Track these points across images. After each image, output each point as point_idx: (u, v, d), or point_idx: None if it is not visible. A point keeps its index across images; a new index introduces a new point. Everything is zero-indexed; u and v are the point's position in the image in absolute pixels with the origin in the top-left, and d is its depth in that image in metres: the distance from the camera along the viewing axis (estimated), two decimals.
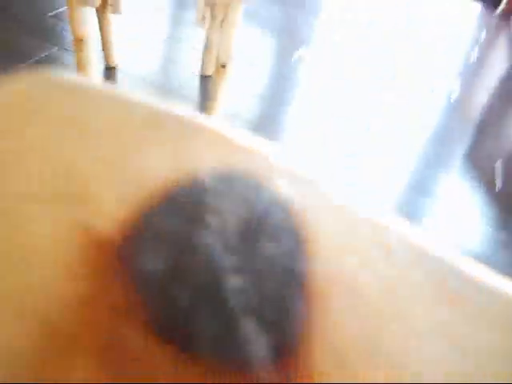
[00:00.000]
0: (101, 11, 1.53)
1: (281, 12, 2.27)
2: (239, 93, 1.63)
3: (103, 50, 1.61)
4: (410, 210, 1.41)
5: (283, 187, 0.19)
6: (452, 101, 1.99)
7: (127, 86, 1.55)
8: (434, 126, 1.82)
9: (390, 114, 1.79)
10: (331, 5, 2.58)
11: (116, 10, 1.54)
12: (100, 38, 1.58)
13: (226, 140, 0.21)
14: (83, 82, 0.23)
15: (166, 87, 1.58)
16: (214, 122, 0.22)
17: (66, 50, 1.65)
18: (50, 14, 1.84)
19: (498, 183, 1.62)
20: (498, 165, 1.70)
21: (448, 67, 2.23)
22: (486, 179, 1.62)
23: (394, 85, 1.98)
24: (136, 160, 0.19)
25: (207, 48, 1.63)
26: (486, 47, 2.46)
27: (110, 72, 1.60)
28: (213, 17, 1.39)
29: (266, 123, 1.52)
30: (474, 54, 2.36)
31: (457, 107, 1.95)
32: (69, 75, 0.23)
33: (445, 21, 2.69)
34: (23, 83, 0.22)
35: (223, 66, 1.27)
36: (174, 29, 1.97)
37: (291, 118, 1.57)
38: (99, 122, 0.20)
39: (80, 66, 1.29)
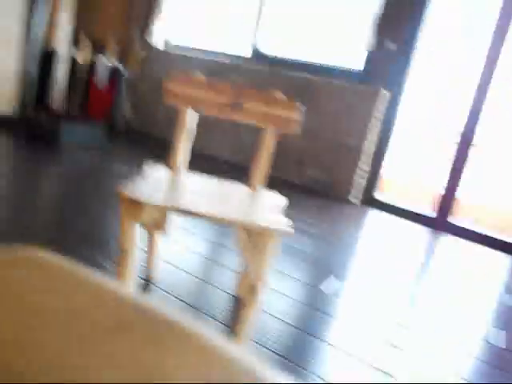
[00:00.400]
0: (149, 229, 1.68)
1: (313, 245, 2.42)
2: (268, 320, 1.60)
3: (145, 262, 1.69)
4: None
5: None
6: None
7: (159, 298, 1.57)
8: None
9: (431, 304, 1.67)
10: (363, 236, 2.75)
11: (163, 231, 1.69)
12: (144, 251, 1.69)
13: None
14: (66, 267, 0.23)
15: (196, 304, 1.58)
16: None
17: (109, 258, 1.76)
18: (103, 223, 2.04)
19: None
20: None
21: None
22: None
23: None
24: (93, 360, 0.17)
25: (244, 272, 1.69)
26: None
27: (145, 283, 1.65)
28: (252, 245, 1.48)
29: (293, 353, 1.44)
30: None
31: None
32: (56, 258, 0.24)
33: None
34: (7, 261, 0.23)
35: (255, 291, 1.29)
36: (214, 252, 2.10)
37: (319, 349, 1.49)
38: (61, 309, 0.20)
39: (120, 275, 1.34)
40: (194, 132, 1.55)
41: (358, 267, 2.28)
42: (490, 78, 3.22)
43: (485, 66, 3.23)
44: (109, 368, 0.17)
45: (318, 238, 2.60)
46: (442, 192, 3.48)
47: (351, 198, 3.64)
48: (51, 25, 4.18)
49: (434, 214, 3.51)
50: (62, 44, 4.32)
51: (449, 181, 3.45)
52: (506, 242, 3.26)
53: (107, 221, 2.13)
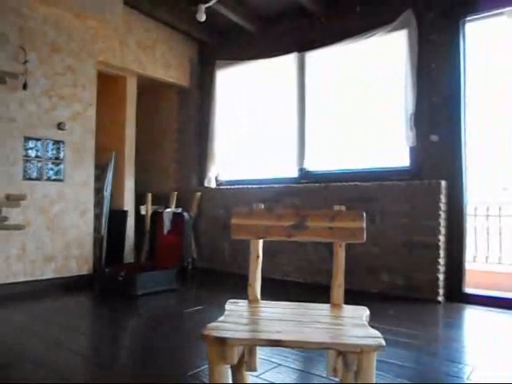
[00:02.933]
0: (237, 369, 1.62)
1: (411, 357, 2.20)
2: None
3: None
4: None
5: None
6: None
7: None
8: None
9: None
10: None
11: (252, 368, 1.63)
12: None
13: None
14: None
15: None
16: None
17: None
18: (190, 372, 1.99)
19: None
20: None
21: None
22: None
23: None
24: None
25: None
26: None
27: None
28: (346, 366, 1.39)
29: None
30: None
31: None
32: None
33: None
34: None
35: None
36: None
37: None
38: None
39: None
40: (261, 260, 1.59)
41: (477, 378, 2.03)
42: None
43: None
44: None
45: (413, 347, 2.38)
46: None
47: (436, 297, 3.40)
48: (118, 188, 4.66)
49: None
50: (129, 203, 4.74)
51: None
52: None
53: (191, 366, 2.09)
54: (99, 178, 4.37)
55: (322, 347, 1.28)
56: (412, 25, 3.63)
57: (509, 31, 3.35)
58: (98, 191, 4.34)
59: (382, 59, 3.91)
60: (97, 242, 4.24)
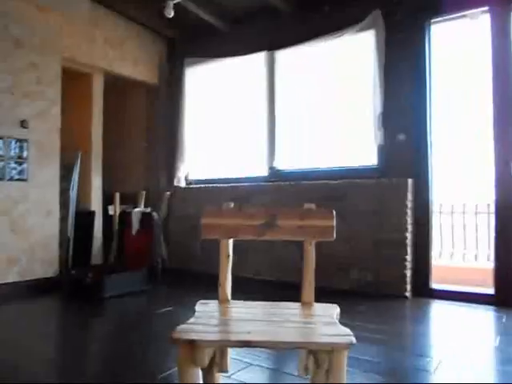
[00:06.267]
0: (208, 370, 1.60)
1: (381, 352, 2.24)
2: None
3: None
4: None
5: None
6: None
7: None
8: None
9: None
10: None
11: (223, 369, 1.61)
12: None
13: None
14: None
15: None
16: None
17: None
18: (161, 375, 1.96)
19: None
20: None
21: None
22: None
23: None
24: None
25: None
26: None
27: None
28: (317, 365, 1.39)
29: None
30: None
31: None
32: None
33: None
34: None
35: None
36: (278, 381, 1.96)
37: None
38: None
39: None
40: (231, 259, 1.57)
41: (444, 371, 2.08)
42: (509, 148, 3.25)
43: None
44: None
45: (383, 342, 2.42)
46: (495, 266, 3.30)
47: (403, 293, 3.47)
48: (85, 188, 4.53)
49: (496, 291, 3.28)
50: (96, 203, 4.62)
51: (498, 253, 3.29)
52: None
53: (162, 368, 2.06)
54: (65, 177, 4.24)
55: (293, 347, 1.27)
56: (380, 25, 3.69)
57: (472, 32, 3.46)
58: (64, 191, 4.21)
59: (351, 59, 3.96)
60: (63, 243, 4.11)
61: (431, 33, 3.59)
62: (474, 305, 3.23)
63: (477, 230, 5.38)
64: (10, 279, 3.66)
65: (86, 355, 2.46)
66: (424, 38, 3.58)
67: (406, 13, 3.62)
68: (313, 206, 1.63)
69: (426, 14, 3.55)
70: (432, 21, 3.57)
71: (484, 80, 3.35)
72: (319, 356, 1.36)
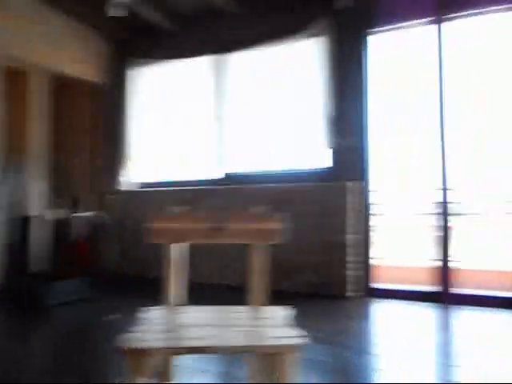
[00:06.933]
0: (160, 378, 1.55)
1: (333, 355, 2.28)
2: None
3: None
4: None
5: None
6: None
7: None
8: None
9: None
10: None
11: (168, 379, 1.56)
12: None
13: None
14: None
15: None
16: None
17: None
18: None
19: None
20: None
21: None
22: None
23: None
24: None
25: None
26: None
27: None
28: (267, 368, 1.39)
29: None
30: None
31: None
32: None
33: None
34: None
35: None
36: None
37: None
38: None
39: None
40: (188, 264, 1.54)
41: (389, 367, 2.14)
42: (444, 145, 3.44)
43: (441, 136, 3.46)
44: None
45: (331, 343, 2.47)
46: (438, 264, 3.47)
47: (349, 293, 3.56)
48: (25, 192, 4.31)
49: (436, 289, 3.44)
50: (37, 208, 4.40)
51: (440, 252, 3.46)
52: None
53: (115, 378, 1.98)
54: (2, 182, 4.01)
55: (242, 351, 1.27)
56: (327, 32, 3.79)
57: (407, 43, 3.70)
58: (1, 196, 3.97)
59: (302, 64, 4.02)
60: (5, 250, 3.88)
61: (367, 43, 3.80)
62: (415, 302, 3.38)
63: (420, 231, 5.61)
64: None
65: (29, 368, 2.32)
66: (361, 48, 3.77)
67: (347, 22, 3.77)
68: (261, 209, 1.64)
69: (363, 25, 3.77)
70: (368, 31, 3.79)
71: (422, 84, 3.56)
72: (268, 359, 1.36)
